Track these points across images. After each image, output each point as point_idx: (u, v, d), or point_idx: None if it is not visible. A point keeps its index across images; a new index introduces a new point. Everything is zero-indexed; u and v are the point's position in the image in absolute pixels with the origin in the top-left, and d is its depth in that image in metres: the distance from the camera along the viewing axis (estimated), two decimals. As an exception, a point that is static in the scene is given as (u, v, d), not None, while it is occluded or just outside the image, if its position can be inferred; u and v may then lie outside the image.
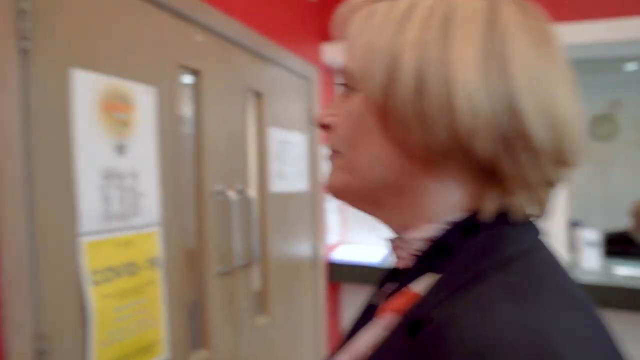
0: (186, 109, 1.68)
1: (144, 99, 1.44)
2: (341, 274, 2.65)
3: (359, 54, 0.44)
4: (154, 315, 1.46)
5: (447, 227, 0.42)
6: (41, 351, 1.11)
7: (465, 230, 0.41)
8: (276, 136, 2.18)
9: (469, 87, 0.38)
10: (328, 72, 2.73)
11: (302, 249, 2.43)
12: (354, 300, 2.92)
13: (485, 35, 0.39)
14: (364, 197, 0.47)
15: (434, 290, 0.38)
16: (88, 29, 1.27)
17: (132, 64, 1.40)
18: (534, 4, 0.43)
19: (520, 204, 0.41)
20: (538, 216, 0.44)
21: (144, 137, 1.44)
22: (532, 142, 0.39)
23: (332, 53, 2.56)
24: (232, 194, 1.79)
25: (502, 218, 0.41)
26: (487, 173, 0.41)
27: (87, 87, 1.27)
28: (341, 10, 0.47)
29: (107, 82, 1.33)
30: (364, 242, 2.94)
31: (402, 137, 0.41)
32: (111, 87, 1.34)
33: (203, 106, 1.71)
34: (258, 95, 2.07)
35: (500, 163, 0.40)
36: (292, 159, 2.32)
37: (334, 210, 2.84)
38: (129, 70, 1.39)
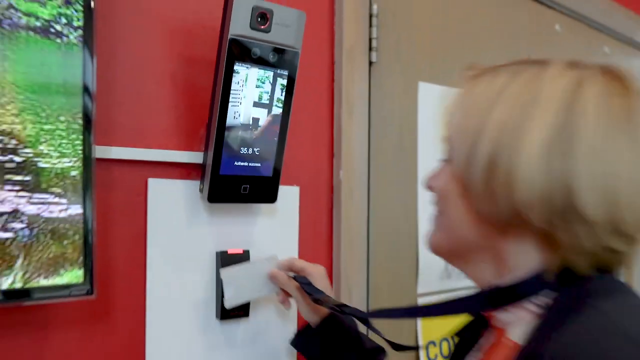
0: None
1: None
2: None
3: (455, 127, 0.54)
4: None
5: (528, 280, 0.50)
6: None
7: (541, 282, 0.50)
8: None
9: (529, 171, 0.46)
10: None
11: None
12: None
13: (560, 117, 0.46)
14: (454, 253, 0.58)
15: (538, 332, 0.47)
16: (446, 31, 1.04)
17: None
18: (630, 81, 0.49)
19: (581, 264, 0.48)
20: (615, 271, 0.51)
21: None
22: (586, 216, 0.46)
23: None
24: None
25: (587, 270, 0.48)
26: (547, 238, 0.49)
27: (434, 104, 1.03)
28: (470, 72, 0.55)
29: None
30: None
31: (476, 204, 0.52)
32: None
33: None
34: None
35: (556, 232, 0.47)
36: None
37: None
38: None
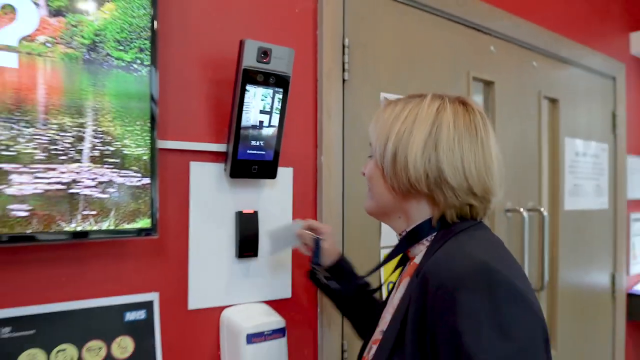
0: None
1: (439, 116, 1.45)
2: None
3: (375, 136, 0.82)
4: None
5: (421, 224, 0.79)
6: (344, 350, 1.26)
7: (429, 227, 0.78)
8: (572, 147, 1.92)
9: (415, 160, 0.75)
10: (635, 65, 2.27)
11: (598, 277, 2.11)
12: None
13: (430, 128, 0.75)
14: (380, 213, 0.85)
15: (425, 255, 0.75)
16: (402, 54, 1.34)
17: (428, 82, 1.43)
18: (473, 106, 0.79)
19: (452, 214, 0.76)
20: (479, 218, 0.79)
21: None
22: (450, 184, 0.74)
23: (645, 43, 2.12)
24: (524, 213, 1.64)
25: (451, 220, 0.77)
26: (431, 199, 0.77)
27: (391, 108, 1.33)
28: (383, 103, 0.85)
29: (408, 102, 1.37)
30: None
31: (389, 181, 0.79)
32: (411, 107, 1.38)
33: (494, 119, 1.62)
34: (552, 102, 1.86)
35: (436, 195, 0.75)
36: (589, 172, 2.01)
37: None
38: (426, 90, 1.40)
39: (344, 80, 1.24)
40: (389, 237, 1.34)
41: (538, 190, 1.76)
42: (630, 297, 2.25)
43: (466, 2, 1.47)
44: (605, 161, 2.12)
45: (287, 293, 1.17)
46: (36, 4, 0.79)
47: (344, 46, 1.24)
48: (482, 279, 0.63)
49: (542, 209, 1.71)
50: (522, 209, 1.66)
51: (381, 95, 1.31)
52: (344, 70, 1.24)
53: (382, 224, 1.31)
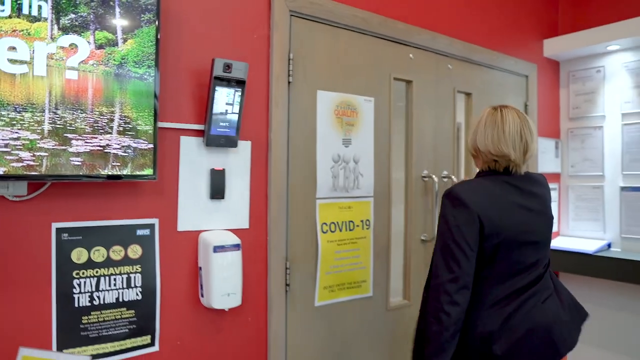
0: (401, 112, 2.09)
1: (365, 107, 1.94)
2: (555, 262, 2.65)
3: (470, 135, 1.51)
4: (364, 262, 1.96)
5: (478, 172, 1.51)
6: (287, 267, 1.75)
7: (479, 173, 1.51)
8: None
9: (484, 147, 1.44)
10: (550, 66, 2.68)
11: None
12: (571, 289, 2.84)
13: (476, 126, 1.47)
14: (477, 164, 1.51)
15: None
16: (335, 63, 1.82)
17: (357, 82, 1.90)
18: (500, 108, 1.45)
19: (486, 167, 1.47)
20: (504, 169, 1.46)
21: (364, 134, 1.94)
22: (482, 151, 1.45)
23: (554, 48, 2.52)
24: (435, 178, 2.14)
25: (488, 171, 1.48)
26: (495, 162, 1.45)
27: (326, 101, 1.83)
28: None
29: (340, 97, 1.86)
30: (583, 235, 2.80)
31: (480, 159, 1.49)
32: (342, 100, 1.87)
33: (412, 108, 2.10)
34: (467, 95, 2.31)
35: (481, 157, 1.47)
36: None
37: (553, 200, 2.80)
38: (355, 87, 1.90)
39: (289, 82, 1.74)
40: (322, 191, 1.86)
41: (452, 162, 2.24)
42: (541, 251, 2.71)
43: (387, 23, 1.93)
44: (518, 142, 2.56)
45: (245, 224, 1.69)
46: (88, 42, 1.32)
47: (289, 59, 1.73)
48: (448, 194, 1.38)
49: (453, 177, 2.20)
50: (434, 176, 2.15)
51: (317, 92, 1.81)
52: (289, 75, 1.73)
53: (317, 180, 1.84)
